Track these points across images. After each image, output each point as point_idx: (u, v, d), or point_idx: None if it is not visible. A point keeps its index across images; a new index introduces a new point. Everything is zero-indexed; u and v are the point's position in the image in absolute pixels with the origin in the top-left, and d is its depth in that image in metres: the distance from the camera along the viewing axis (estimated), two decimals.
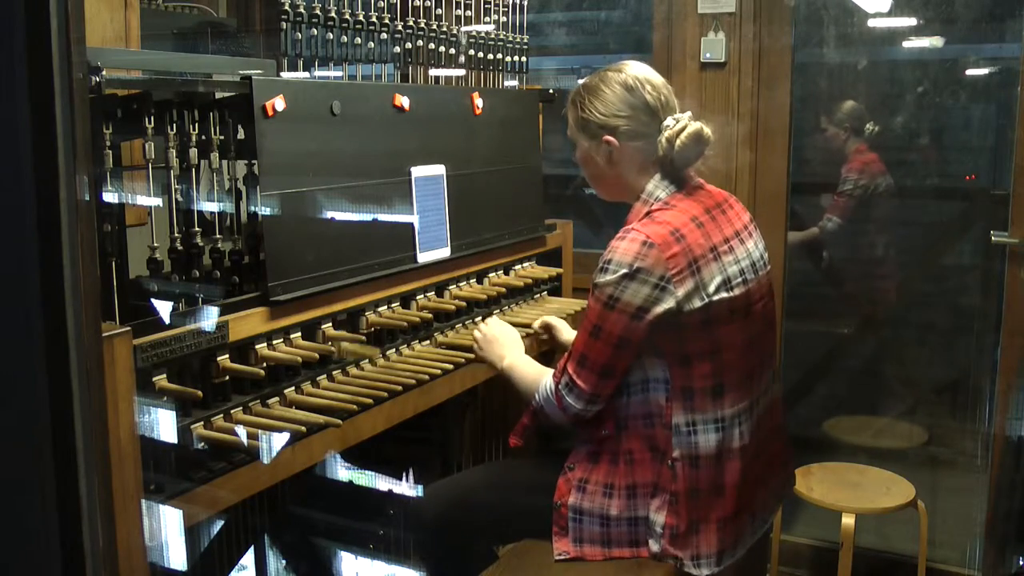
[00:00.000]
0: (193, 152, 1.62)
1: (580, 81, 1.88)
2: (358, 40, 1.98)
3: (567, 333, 2.14)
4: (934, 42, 2.97)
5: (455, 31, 2.28)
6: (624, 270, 1.65)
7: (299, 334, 1.75)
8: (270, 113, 1.68)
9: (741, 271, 1.74)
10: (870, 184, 3.08)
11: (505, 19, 2.45)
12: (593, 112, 1.78)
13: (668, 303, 1.64)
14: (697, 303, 1.66)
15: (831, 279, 3.25)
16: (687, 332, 1.67)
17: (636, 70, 1.80)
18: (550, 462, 1.86)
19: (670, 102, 1.79)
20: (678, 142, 1.73)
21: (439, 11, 2.21)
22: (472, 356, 2.03)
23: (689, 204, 1.75)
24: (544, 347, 2.27)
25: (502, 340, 2.00)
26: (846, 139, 3.08)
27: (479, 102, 2.27)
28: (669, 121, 1.75)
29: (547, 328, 2.19)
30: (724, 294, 1.69)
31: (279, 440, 1.56)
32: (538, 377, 1.86)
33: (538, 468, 1.89)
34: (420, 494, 2.05)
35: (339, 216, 1.85)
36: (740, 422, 1.74)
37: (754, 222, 1.88)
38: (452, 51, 2.27)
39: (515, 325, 2.17)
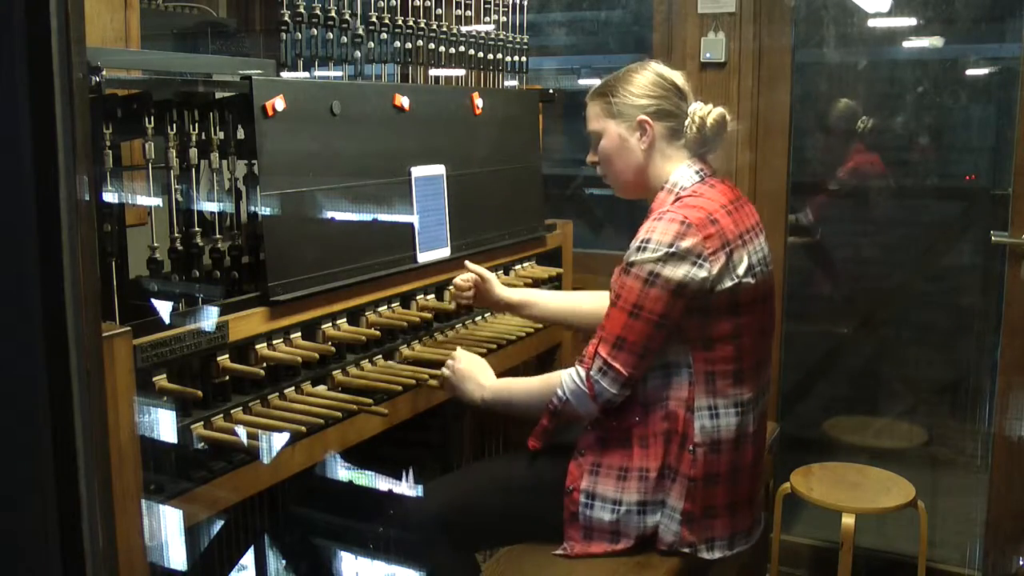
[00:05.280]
0: (193, 152, 1.62)
1: (598, 81, 1.92)
2: (358, 40, 1.98)
3: (500, 288, 2.09)
4: (934, 42, 2.96)
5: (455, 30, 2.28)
6: (665, 248, 1.70)
7: (299, 334, 1.75)
8: (270, 113, 1.68)
9: (760, 260, 1.81)
10: (860, 185, 3.08)
11: (505, 19, 2.44)
12: (627, 95, 1.85)
13: (704, 281, 1.70)
14: (727, 283, 1.72)
15: (824, 271, 3.25)
16: (714, 314, 1.73)
17: (660, 63, 1.92)
18: (553, 463, 1.86)
19: (691, 91, 1.90)
20: (710, 120, 1.82)
21: (439, 11, 2.21)
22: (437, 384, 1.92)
23: (714, 194, 1.81)
24: (464, 304, 2.13)
25: (476, 371, 1.90)
26: (839, 139, 3.08)
27: (479, 102, 2.27)
28: (696, 105, 1.85)
29: (475, 285, 2.08)
30: (749, 279, 1.75)
31: (279, 440, 1.56)
32: (545, 383, 1.83)
33: (541, 470, 1.88)
34: (420, 495, 2.05)
35: (339, 216, 1.85)
36: (754, 407, 1.80)
37: (760, 224, 1.92)
38: (452, 50, 2.27)
39: (499, 333, 2.17)
